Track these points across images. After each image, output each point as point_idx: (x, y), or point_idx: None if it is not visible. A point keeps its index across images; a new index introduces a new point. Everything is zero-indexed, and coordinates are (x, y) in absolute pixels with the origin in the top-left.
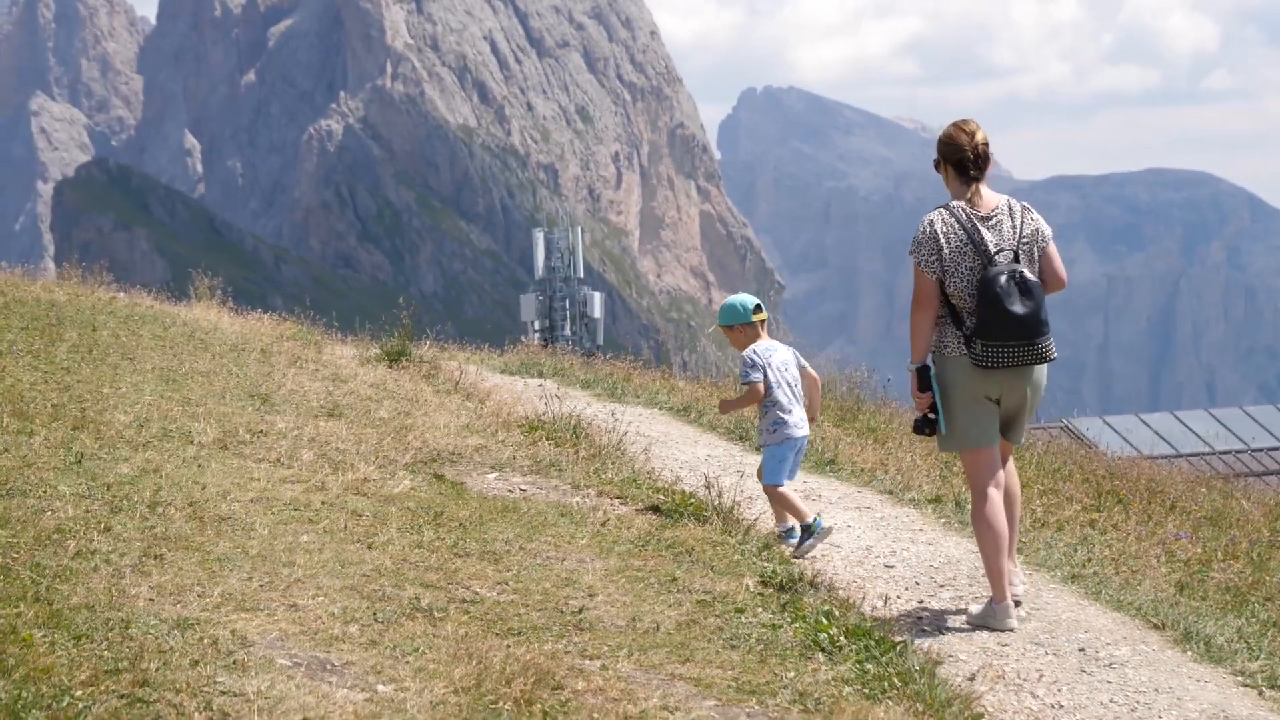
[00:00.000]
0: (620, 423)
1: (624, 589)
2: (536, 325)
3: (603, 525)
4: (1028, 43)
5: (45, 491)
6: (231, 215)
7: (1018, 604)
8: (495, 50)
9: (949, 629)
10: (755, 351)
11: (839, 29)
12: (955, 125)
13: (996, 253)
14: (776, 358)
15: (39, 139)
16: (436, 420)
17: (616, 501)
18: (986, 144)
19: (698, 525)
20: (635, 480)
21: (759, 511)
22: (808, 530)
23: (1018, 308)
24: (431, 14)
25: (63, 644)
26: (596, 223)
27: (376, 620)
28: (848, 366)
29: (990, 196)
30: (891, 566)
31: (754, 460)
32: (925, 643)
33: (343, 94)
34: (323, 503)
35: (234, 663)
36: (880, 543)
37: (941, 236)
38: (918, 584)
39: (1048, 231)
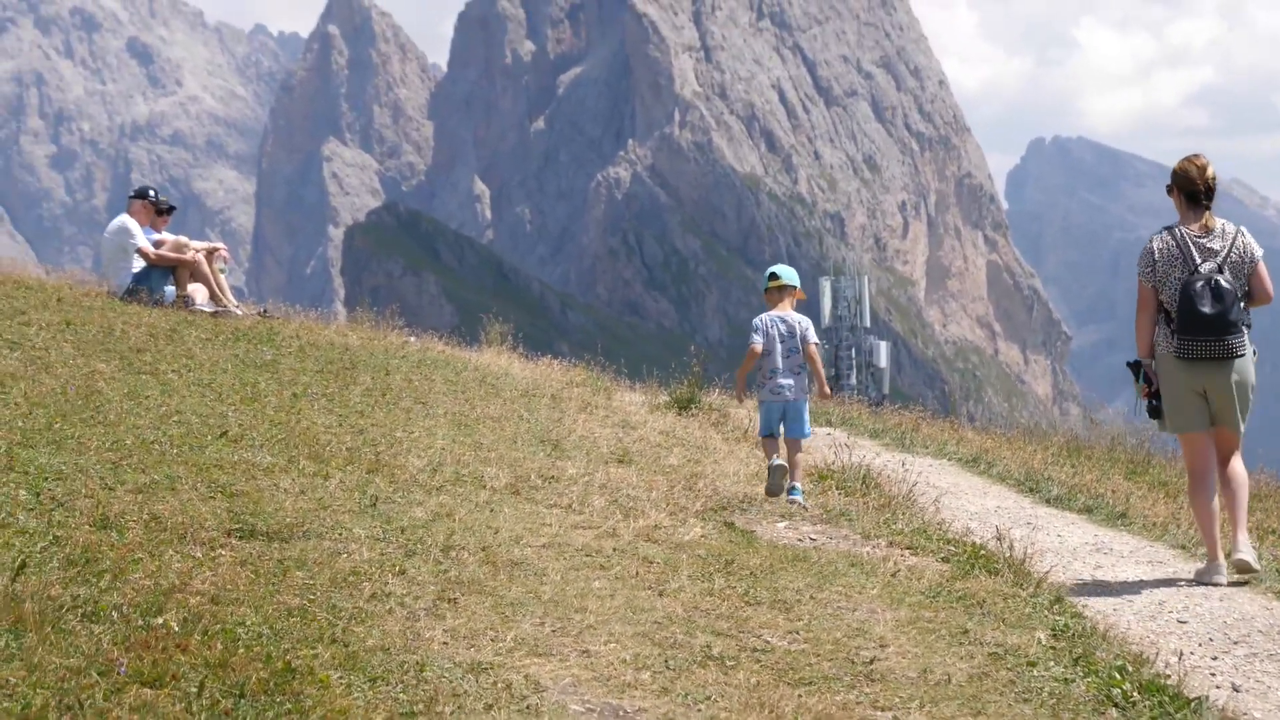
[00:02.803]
0: (910, 473)
1: (915, 640)
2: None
3: (893, 576)
4: None
5: (341, 534)
6: (519, 261)
7: (1247, 568)
8: (783, 99)
9: (1244, 686)
10: (760, 318)
11: (1129, 79)
12: (1188, 159)
13: (1201, 264)
14: (778, 327)
15: (330, 184)
16: (726, 468)
17: (907, 552)
18: (1214, 176)
19: (989, 577)
20: (925, 531)
21: (1050, 564)
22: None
23: (1206, 309)
24: (720, 63)
25: (359, 686)
26: (883, 271)
27: (668, 667)
28: (1138, 419)
29: (1213, 220)
30: (1185, 622)
31: (1045, 512)
32: (1220, 699)
33: (631, 141)
34: (614, 549)
35: (527, 707)
36: (1173, 598)
37: (1157, 252)
38: (1211, 640)
39: (1258, 252)
